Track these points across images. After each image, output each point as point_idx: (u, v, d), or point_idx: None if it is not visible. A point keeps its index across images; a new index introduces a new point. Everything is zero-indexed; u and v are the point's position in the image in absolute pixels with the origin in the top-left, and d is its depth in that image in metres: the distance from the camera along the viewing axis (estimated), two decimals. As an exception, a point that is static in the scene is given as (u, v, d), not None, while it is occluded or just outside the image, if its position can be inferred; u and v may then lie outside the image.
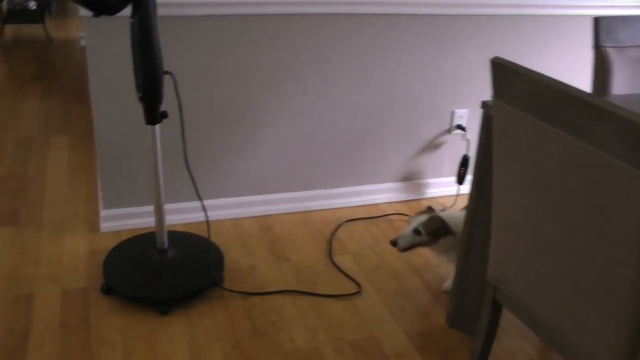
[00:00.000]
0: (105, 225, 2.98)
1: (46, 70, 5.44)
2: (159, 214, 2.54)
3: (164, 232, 2.59)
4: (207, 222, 2.69)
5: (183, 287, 2.49)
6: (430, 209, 2.51)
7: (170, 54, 2.72)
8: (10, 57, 5.78)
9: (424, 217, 2.42)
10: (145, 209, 2.97)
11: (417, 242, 2.41)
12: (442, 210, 2.66)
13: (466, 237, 2.29)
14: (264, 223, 3.12)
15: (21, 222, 3.09)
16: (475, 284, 2.34)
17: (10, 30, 6.75)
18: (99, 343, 2.31)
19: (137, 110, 2.74)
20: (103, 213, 2.97)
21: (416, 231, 2.39)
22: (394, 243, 2.40)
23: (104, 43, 2.67)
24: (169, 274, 2.54)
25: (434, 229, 2.39)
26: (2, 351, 2.28)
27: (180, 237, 2.75)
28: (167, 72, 2.34)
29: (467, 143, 3.40)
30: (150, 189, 2.81)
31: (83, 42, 6.03)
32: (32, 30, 6.73)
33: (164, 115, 2.41)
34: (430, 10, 3.02)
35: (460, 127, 3.35)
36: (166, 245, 2.61)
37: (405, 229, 2.42)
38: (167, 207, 2.94)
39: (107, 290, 2.54)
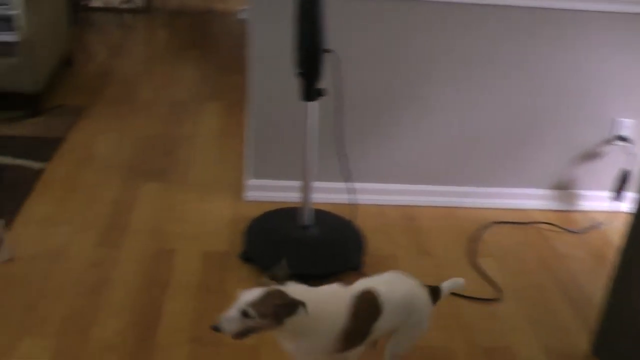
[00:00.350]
0: (250, 194, 3.02)
1: (204, 39, 5.62)
2: (306, 190, 2.53)
3: (309, 209, 2.57)
4: (353, 205, 2.66)
5: (322, 266, 2.48)
6: (273, 279, 1.73)
7: (334, 33, 2.69)
8: (172, 25, 6.01)
9: (257, 293, 1.65)
10: (291, 184, 2.97)
11: (250, 327, 1.66)
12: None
13: (622, 260, 2.12)
14: (409, 213, 3.05)
15: (170, 180, 3.20)
16: (628, 312, 2.14)
17: (173, 0, 7.04)
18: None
19: (294, 85, 2.73)
20: (249, 182, 3.01)
21: (245, 313, 1.63)
22: (216, 328, 1.65)
23: (267, 16, 2.69)
24: (308, 251, 2.53)
25: (271, 308, 1.64)
26: (142, 299, 2.38)
27: (324, 216, 2.73)
28: (328, 50, 2.32)
29: (631, 157, 3.15)
30: (299, 164, 2.80)
31: (241, 16, 6.18)
32: (193, 1, 6.98)
33: (321, 93, 2.39)
34: (610, 7, 2.81)
35: (622, 138, 3.12)
36: (309, 222, 2.60)
37: (232, 308, 1.65)
38: (316, 184, 2.91)
39: (246, 258, 2.57)
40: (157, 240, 2.74)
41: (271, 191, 3.01)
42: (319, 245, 2.56)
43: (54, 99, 4.11)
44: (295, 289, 1.71)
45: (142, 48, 5.38)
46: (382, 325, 1.85)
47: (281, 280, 1.73)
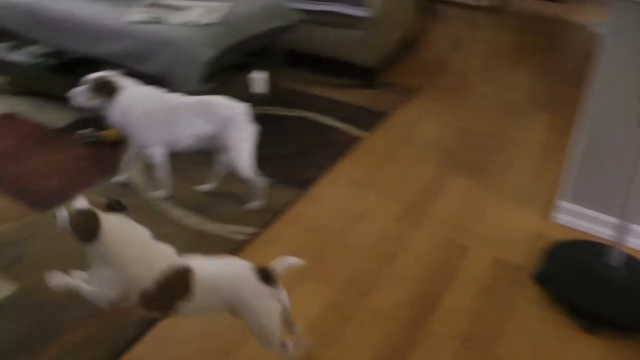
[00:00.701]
0: (559, 217, 2.87)
1: (548, 47, 5.44)
2: (622, 228, 2.32)
3: (620, 249, 2.36)
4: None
5: (618, 314, 2.26)
6: (108, 204, 1.77)
7: None
8: (518, 28, 5.93)
9: (81, 205, 1.73)
10: (607, 219, 2.75)
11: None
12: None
13: None
14: None
15: (481, 178, 3.19)
16: None
17: (529, 4, 6.92)
18: (512, 324, 2.27)
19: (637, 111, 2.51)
20: (562, 204, 2.86)
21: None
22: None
23: (626, 33, 2.47)
24: (608, 294, 2.32)
25: (74, 225, 1.72)
26: (425, 282, 2.43)
27: (635, 263, 2.48)
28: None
29: None
30: (621, 199, 2.58)
31: (594, 29, 5.87)
32: (549, 8, 6.79)
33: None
34: None
35: None
36: (617, 263, 2.38)
37: (64, 210, 1.76)
38: (635, 228, 2.66)
39: (540, 279, 2.46)
40: (454, 232, 2.75)
41: (583, 220, 2.81)
42: (623, 291, 2.33)
43: (389, 76, 4.32)
44: (118, 224, 1.74)
45: (484, 45, 5.39)
46: (191, 306, 1.78)
47: (114, 209, 1.77)
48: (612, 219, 2.72)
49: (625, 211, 2.31)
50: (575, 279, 2.38)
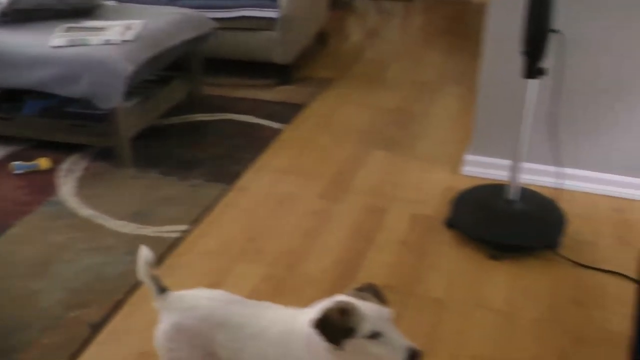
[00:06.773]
0: (466, 169, 3.14)
1: (457, 28, 5.73)
2: (515, 166, 2.59)
3: (516, 185, 2.63)
4: (559, 189, 2.63)
5: (518, 239, 2.54)
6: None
7: (565, 13, 2.66)
8: (429, 13, 6.22)
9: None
10: (507, 163, 2.99)
11: None
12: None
13: None
14: (618, 205, 2.92)
15: (397, 150, 3.45)
16: None
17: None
18: (428, 266, 2.53)
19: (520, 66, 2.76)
20: (467, 157, 3.13)
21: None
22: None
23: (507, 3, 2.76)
24: (509, 224, 2.61)
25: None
26: (349, 246, 2.66)
27: (530, 195, 2.75)
28: (554, 30, 2.35)
29: None
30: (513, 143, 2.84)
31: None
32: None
33: (542, 71, 2.42)
34: None
35: None
36: (515, 197, 2.65)
37: None
38: (527, 165, 2.90)
39: (450, 224, 2.71)
40: (373, 199, 2.98)
41: (487, 168, 3.08)
42: (520, 220, 2.62)
43: (305, 71, 4.55)
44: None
45: (397, 33, 5.68)
46: None
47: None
48: (507, 162, 2.97)
49: (516, 153, 2.57)
50: (480, 216, 2.66)
